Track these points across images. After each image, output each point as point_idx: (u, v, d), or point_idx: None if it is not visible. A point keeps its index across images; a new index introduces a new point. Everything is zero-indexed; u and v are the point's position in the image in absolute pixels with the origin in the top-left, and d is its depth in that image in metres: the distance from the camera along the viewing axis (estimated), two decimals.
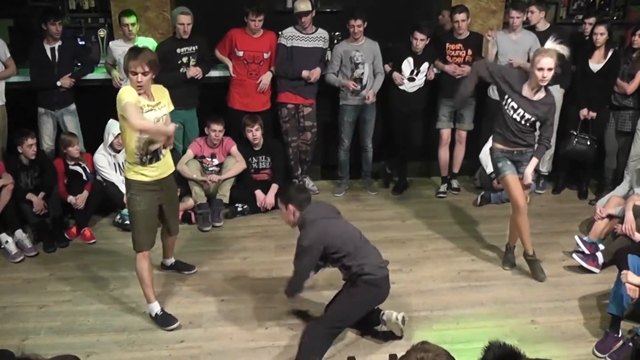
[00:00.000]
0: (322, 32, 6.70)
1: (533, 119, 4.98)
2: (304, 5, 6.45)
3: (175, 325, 4.66)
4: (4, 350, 3.17)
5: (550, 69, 4.79)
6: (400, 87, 6.72)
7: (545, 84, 4.90)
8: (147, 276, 4.65)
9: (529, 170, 5.11)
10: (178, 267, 5.44)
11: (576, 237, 5.59)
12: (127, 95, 4.19)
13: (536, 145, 5.14)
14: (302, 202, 4.46)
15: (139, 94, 4.27)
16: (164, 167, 4.56)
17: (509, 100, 5.01)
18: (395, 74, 6.67)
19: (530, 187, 5.36)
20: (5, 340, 4.37)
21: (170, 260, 5.41)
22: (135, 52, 4.26)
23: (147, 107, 4.32)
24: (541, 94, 4.97)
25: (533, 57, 4.95)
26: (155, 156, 4.45)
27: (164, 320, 4.70)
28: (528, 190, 5.38)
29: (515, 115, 4.99)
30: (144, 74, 4.21)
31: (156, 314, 4.71)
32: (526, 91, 4.95)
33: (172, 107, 4.60)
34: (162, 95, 4.49)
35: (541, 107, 4.95)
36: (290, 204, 4.46)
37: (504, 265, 5.54)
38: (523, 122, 4.99)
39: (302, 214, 4.42)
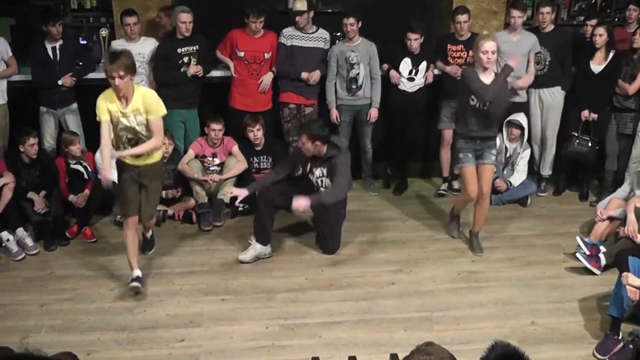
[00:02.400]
0: (323, 33, 6.70)
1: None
2: (299, 5, 6.45)
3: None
4: (3, 346, 3.18)
5: (493, 52, 5.16)
6: (401, 88, 6.73)
7: (490, 66, 5.25)
8: (129, 243, 5.04)
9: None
10: (142, 246, 5.65)
11: (578, 238, 5.59)
12: (101, 102, 4.65)
13: None
14: (327, 136, 5.49)
15: (118, 97, 4.61)
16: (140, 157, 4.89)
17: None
18: (392, 72, 6.68)
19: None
20: (5, 338, 4.36)
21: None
22: (113, 57, 4.51)
23: (119, 113, 4.65)
24: (491, 75, 5.30)
25: (476, 42, 5.28)
26: (130, 145, 4.83)
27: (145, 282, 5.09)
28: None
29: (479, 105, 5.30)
30: (121, 77, 4.46)
31: (137, 277, 5.02)
32: (484, 79, 5.25)
33: (160, 113, 4.84)
34: (143, 102, 4.70)
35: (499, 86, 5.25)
36: (318, 141, 5.39)
37: (450, 233, 6.08)
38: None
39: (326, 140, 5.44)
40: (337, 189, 5.47)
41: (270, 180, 5.69)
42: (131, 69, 4.55)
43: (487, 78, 5.24)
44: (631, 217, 5.27)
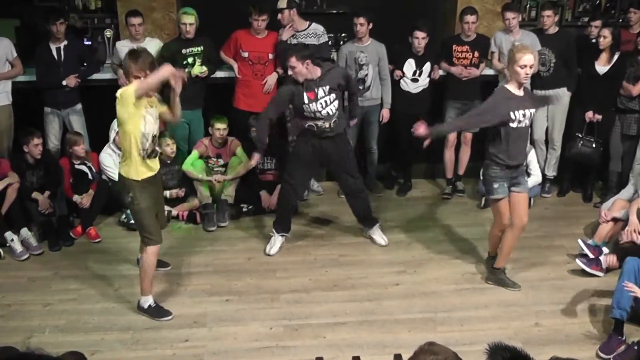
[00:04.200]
0: (314, 27, 6.62)
1: (533, 110, 4.87)
2: (280, 2, 6.46)
3: (169, 317, 4.77)
4: (8, 346, 3.19)
5: (532, 67, 4.66)
6: (404, 89, 6.73)
7: (527, 81, 4.80)
8: (153, 270, 4.77)
9: None
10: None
11: (579, 241, 5.58)
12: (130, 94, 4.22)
13: None
14: (313, 55, 5.44)
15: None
16: (157, 162, 4.67)
17: (516, 112, 4.70)
18: (395, 70, 6.70)
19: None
20: (9, 338, 4.37)
21: None
22: (136, 57, 4.32)
23: (147, 105, 4.38)
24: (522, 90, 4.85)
25: (512, 54, 4.70)
26: (154, 152, 4.53)
27: (158, 312, 4.78)
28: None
29: (527, 121, 4.79)
30: (145, 75, 4.26)
31: (149, 306, 4.79)
32: (515, 92, 4.75)
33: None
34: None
35: (533, 96, 4.99)
36: (308, 59, 5.26)
37: (507, 286, 5.25)
38: (529, 122, 4.85)
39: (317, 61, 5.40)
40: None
41: (265, 124, 5.55)
42: (154, 67, 4.34)
43: (519, 93, 4.77)
44: (633, 219, 5.26)
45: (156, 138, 4.51)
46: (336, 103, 5.42)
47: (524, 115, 4.75)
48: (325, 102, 5.38)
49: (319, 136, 5.49)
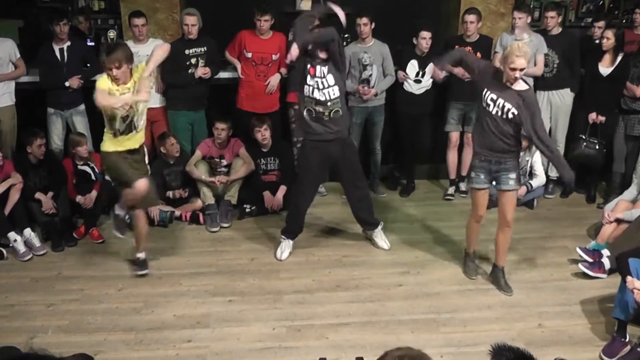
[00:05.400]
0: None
1: (514, 110, 4.68)
2: (304, 4, 6.45)
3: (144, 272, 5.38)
4: (11, 346, 3.20)
5: (522, 70, 4.63)
6: (407, 90, 6.74)
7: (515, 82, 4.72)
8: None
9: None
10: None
11: (578, 249, 5.56)
12: (100, 83, 4.77)
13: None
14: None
15: (118, 84, 4.77)
16: (135, 139, 5.04)
17: (487, 92, 4.76)
18: (399, 71, 6.70)
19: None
20: (13, 338, 4.37)
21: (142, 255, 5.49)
22: (108, 51, 4.74)
23: (123, 90, 4.78)
24: (522, 85, 4.76)
25: (506, 54, 4.67)
26: (125, 131, 4.94)
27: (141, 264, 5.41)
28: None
29: (495, 109, 4.75)
30: (118, 67, 4.70)
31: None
32: (503, 80, 4.73)
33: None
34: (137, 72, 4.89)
35: (524, 97, 4.69)
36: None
37: (469, 275, 5.41)
38: (504, 116, 4.73)
39: None
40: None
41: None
42: (128, 59, 4.77)
43: (507, 84, 4.75)
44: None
45: (129, 119, 4.88)
46: (336, 90, 5.31)
47: (493, 101, 4.73)
48: (323, 83, 5.29)
49: (325, 140, 5.40)
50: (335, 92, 5.31)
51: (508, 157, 4.92)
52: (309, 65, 5.28)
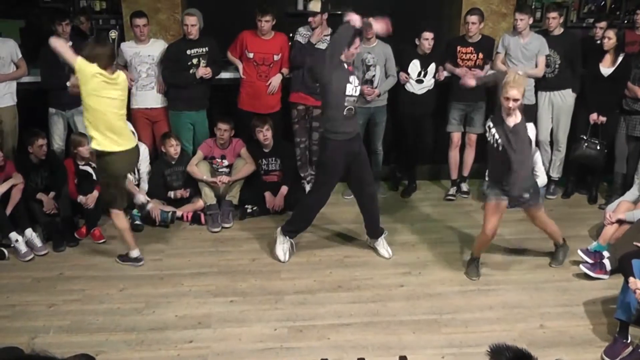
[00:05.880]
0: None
1: (501, 142, 4.87)
2: (313, 5, 6.45)
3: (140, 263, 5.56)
4: (13, 347, 3.20)
5: (516, 100, 4.74)
6: (409, 90, 6.74)
7: (513, 112, 4.81)
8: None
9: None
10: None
11: (579, 252, 5.55)
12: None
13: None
14: None
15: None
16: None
17: (490, 127, 5.00)
18: (400, 73, 6.70)
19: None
20: (14, 339, 4.37)
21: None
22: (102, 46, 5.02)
23: (108, 80, 4.94)
24: (516, 119, 4.85)
25: (503, 83, 4.79)
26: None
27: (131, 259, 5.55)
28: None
29: (496, 143, 4.92)
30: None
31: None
32: (504, 115, 4.89)
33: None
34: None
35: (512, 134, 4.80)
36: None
37: (470, 276, 5.42)
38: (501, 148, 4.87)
39: None
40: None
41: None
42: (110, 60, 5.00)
43: (507, 120, 4.87)
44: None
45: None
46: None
47: (494, 138, 4.92)
48: (355, 80, 5.35)
49: (350, 138, 5.35)
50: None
51: None
52: (346, 65, 5.28)
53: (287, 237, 5.70)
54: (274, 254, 5.69)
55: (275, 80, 6.63)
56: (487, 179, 5.38)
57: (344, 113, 5.26)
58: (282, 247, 5.70)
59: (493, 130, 4.95)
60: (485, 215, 5.24)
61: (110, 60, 5.08)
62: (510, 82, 4.75)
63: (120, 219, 5.46)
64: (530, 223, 6.40)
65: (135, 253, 5.56)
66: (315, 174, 6.28)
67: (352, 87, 5.25)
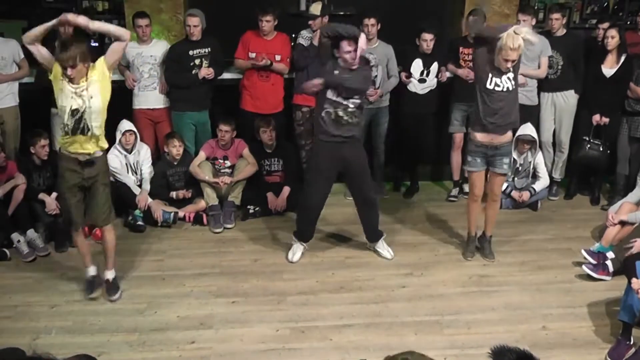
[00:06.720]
0: None
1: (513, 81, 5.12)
2: (314, 8, 6.45)
3: (95, 294, 5.02)
4: (15, 348, 3.19)
5: (514, 61, 4.96)
6: (412, 90, 6.73)
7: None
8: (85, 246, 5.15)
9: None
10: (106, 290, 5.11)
11: (582, 252, 5.54)
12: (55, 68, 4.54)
13: None
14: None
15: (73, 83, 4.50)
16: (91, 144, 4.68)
17: (492, 77, 5.11)
18: (401, 73, 6.70)
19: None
20: (16, 339, 4.37)
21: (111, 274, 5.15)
22: (62, 48, 4.56)
23: (76, 89, 4.51)
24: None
25: (504, 42, 4.86)
26: (77, 128, 4.57)
27: (89, 285, 5.04)
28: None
29: (497, 88, 5.11)
30: (72, 67, 4.45)
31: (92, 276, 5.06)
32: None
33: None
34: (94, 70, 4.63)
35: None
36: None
37: (467, 256, 5.74)
38: (504, 90, 5.10)
39: None
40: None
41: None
42: (84, 58, 4.55)
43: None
44: None
45: (78, 114, 4.51)
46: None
47: (502, 85, 5.12)
48: None
49: (339, 142, 5.31)
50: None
51: (504, 143, 5.37)
52: (344, 69, 5.24)
53: (296, 239, 5.70)
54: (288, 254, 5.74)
55: (278, 65, 6.58)
56: (468, 148, 5.52)
57: (322, 114, 5.26)
58: (292, 248, 5.71)
59: (497, 80, 5.09)
60: (471, 184, 5.58)
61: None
62: (511, 43, 4.84)
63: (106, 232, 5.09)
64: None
65: (91, 271, 5.11)
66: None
67: (334, 93, 5.20)
